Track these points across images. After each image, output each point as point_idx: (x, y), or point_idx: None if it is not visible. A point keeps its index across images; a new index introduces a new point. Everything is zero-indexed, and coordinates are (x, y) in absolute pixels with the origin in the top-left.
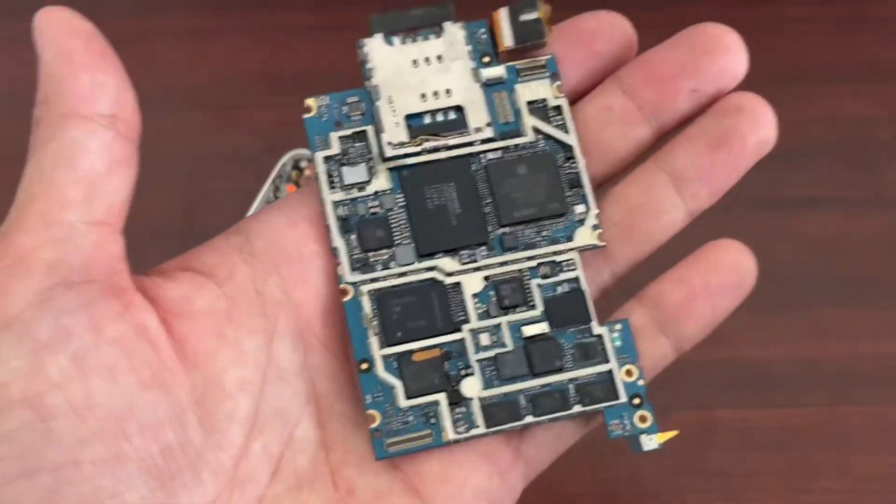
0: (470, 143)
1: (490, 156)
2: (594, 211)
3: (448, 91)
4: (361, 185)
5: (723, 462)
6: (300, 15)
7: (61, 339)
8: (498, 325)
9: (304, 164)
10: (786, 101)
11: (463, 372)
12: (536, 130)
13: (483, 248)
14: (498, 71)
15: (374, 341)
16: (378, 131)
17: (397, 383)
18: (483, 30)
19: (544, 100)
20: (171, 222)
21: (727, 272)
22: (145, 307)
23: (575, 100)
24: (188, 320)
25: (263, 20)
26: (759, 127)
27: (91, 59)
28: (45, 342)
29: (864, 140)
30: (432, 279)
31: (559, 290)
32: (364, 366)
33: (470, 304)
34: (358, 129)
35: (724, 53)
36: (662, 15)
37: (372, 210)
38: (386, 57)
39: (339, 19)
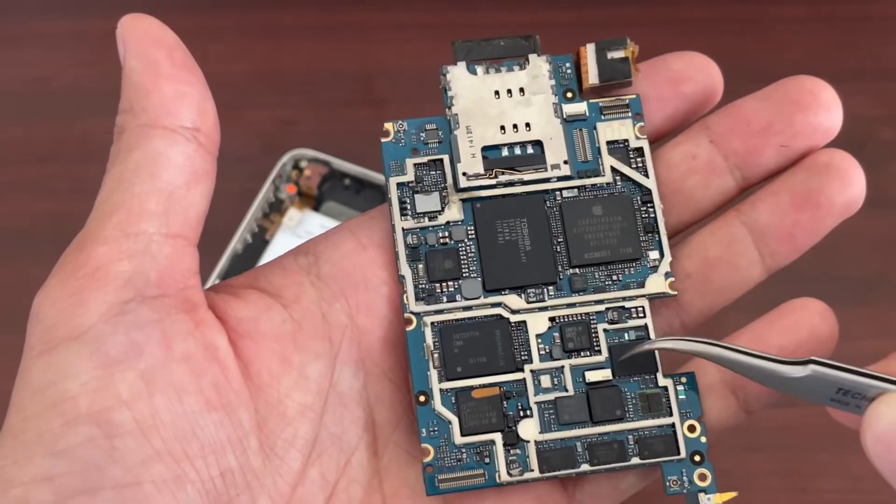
0: (546, 180)
1: (566, 194)
2: (668, 258)
3: (528, 125)
4: (433, 215)
5: (723, 462)
6: (300, 15)
7: (132, 356)
8: (560, 368)
9: (303, 163)
10: None
11: (521, 413)
12: (615, 171)
13: (551, 287)
14: (580, 107)
15: (433, 374)
16: (454, 161)
17: (454, 419)
18: (568, 64)
19: (626, 140)
20: None
21: (806, 337)
22: (216, 325)
23: (656, 139)
24: (254, 342)
25: (263, 20)
26: (847, 186)
27: (175, 71)
28: (115, 357)
29: (864, 140)
30: (497, 315)
31: (626, 336)
32: (422, 398)
33: (533, 344)
34: (434, 158)
35: (818, 110)
36: (662, 14)
37: (442, 240)
38: (468, 86)
39: (339, 19)
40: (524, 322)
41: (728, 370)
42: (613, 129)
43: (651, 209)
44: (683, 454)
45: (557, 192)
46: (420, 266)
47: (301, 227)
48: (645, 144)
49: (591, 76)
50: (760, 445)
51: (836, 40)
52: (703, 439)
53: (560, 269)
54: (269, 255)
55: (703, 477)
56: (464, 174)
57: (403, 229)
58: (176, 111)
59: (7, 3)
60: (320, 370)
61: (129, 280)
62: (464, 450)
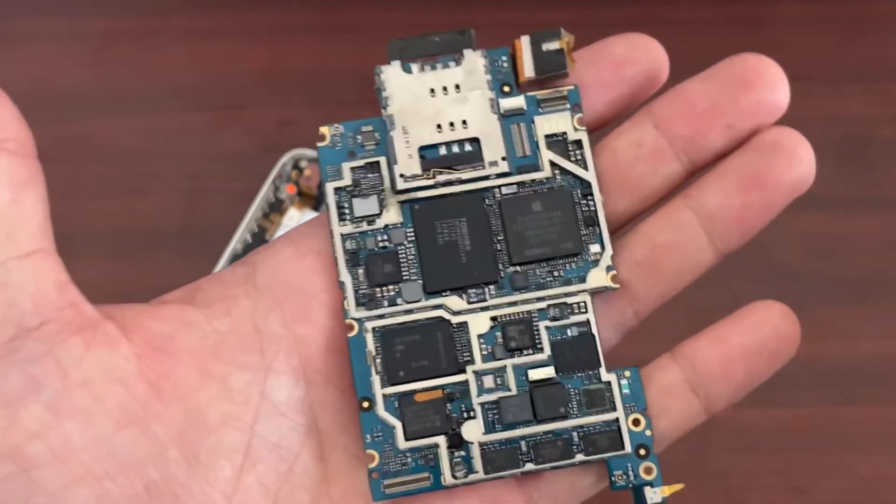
0: (485, 178)
1: (505, 191)
2: (609, 252)
3: (464, 122)
4: (372, 218)
5: (723, 462)
6: (300, 15)
7: (32, 390)
8: (503, 368)
9: (303, 163)
10: None
11: (465, 415)
12: (554, 165)
13: (493, 286)
14: (517, 102)
15: (376, 379)
16: (391, 163)
17: (397, 424)
18: (504, 58)
19: (564, 133)
20: (171, 222)
21: (768, 336)
22: (112, 341)
23: (601, 126)
24: (168, 356)
25: (263, 20)
26: (795, 165)
27: None
28: (16, 395)
29: (864, 140)
30: (439, 318)
31: (569, 333)
32: (365, 404)
33: (475, 345)
34: (371, 160)
35: (764, 87)
36: (662, 14)
37: (381, 244)
38: (403, 85)
39: (339, 19)
40: (465, 323)
41: (691, 371)
42: (552, 123)
43: (591, 202)
44: (628, 449)
45: (496, 190)
46: (360, 271)
47: None
48: (584, 136)
49: (527, 69)
50: (759, 446)
51: (836, 40)
52: (648, 433)
53: (501, 268)
54: None
55: (648, 470)
56: (401, 176)
57: (342, 234)
58: None
59: (7, 3)
60: (247, 381)
61: (5, 319)
62: (408, 454)
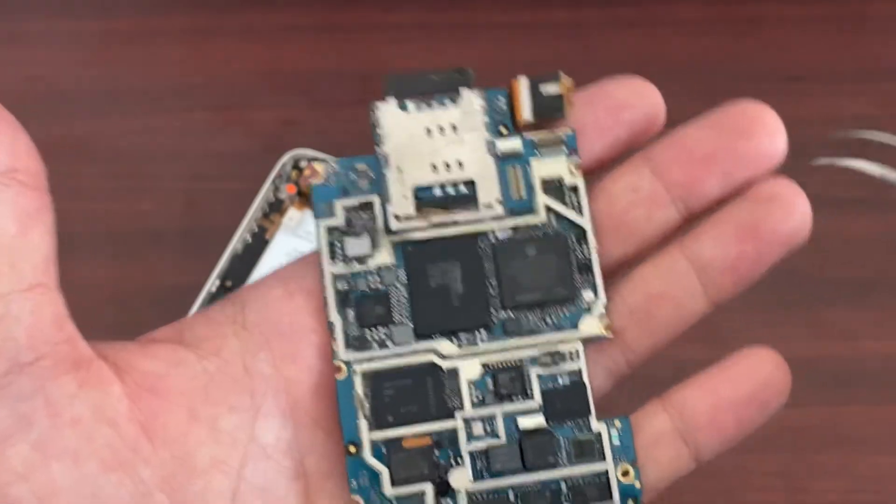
0: (479, 221)
1: (499, 234)
2: (602, 300)
3: (460, 163)
4: (363, 259)
5: (723, 462)
6: (300, 15)
7: (21, 428)
8: (493, 415)
9: (303, 164)
10: (786, 101)
11: (453, 461)
12: (549, 210)
13: (484, 331)
14: (514, 144)
15: (363, 424)
16: (384, 202)
17: (384, 470)
18: (502, 98)
19: (560, 177)
20: (171, 222)
21: (758, 386)
22: (105, 380)
23: (598, 168)
24: (158, 396)
25: (263, 20)
26: (791, 217)
27: None
28: (4, 433)
29: (864, 140)
30: (429, 362)
31: (560, 381)
32: (352, 449)
33: (465, 391)
34: (364, 200)
35: (762, 136)
36: (662, 14)
37: (372, 285)
38: (398, 123)
39: (338, 19)
40: (456, 369)
41: (680, 420)
42: (548, 167)
43: (586, 248)
44: (617, 500)
45: (490, 233)
46: (350, 312)
47: (301, 227)
48: (580, 182)
49: (525, 113)
50: (759, 446)
51: (836, 40)
52: (637, 484)
53: (493, 312)
54: (269, 255)
55: None
56: (395, 216)
57: (333, 274)
58: None
59: (7, 3)
60: (236, 423)
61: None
62: (395, 501)
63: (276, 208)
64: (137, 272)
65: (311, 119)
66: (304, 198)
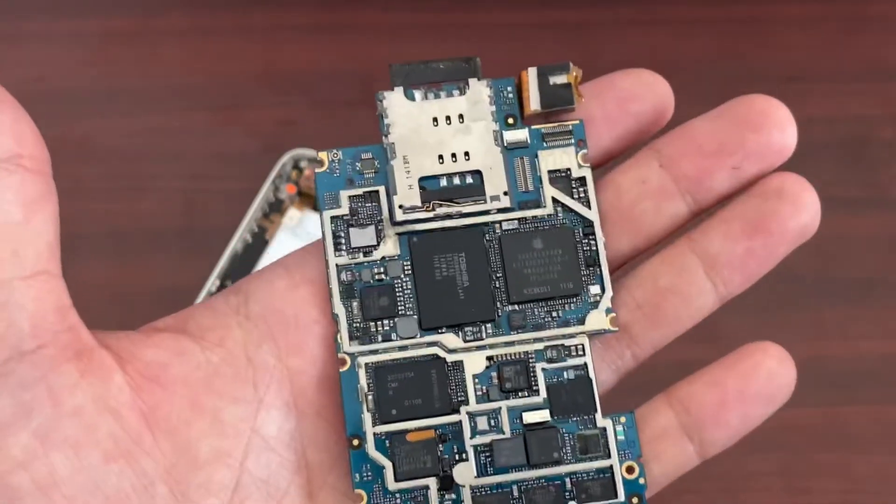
0: (485, 212)
1: (505, 226)
2: (609, 294)
3: (467, 154)
4: (368, 250)
5: (723, 462)
6: (300, 15)
7: (22, 416)
8: (497, 410)
9: (303, 163)
10: (786, 101)
11: (457, 456)
12: (556, 202)
13: (490, 325)
14: (521, 135)
15: (367, 417)
16: (390, 193)
17: (388, 464)
18: (510, 88)
19: (568, 169)
20: (171, 222)
21: (764, 380)
22: (107, 370)
23: (605, 161)
24: (161, 387)
25: (263, 20)
26: (800, 212)
27: None
28: (5, 421)
29: (864, 140)
30: (434, 355)
31: (565, 376)
32: (356, 442)
33: (470, 385)
34: (369, 189)
35: (772, 129)
36: (662, 14)
37: (377, 276)
38: (405, 113)
39: (338, 19)
40: (461, 362)
41: (685, 415)
42: (556, 158)
43: (593, 241)
44: (622, 497)
45: (497, 225)
46: (354, 304)
47: (301, 227)
48: (588, 173)
49: (533, 103)
50: (759, 446)
51: (836, 40)
52: (642, 480)
53: (499, 306)
54: (269, 255)
55: None
56: (400, 207)
57: (337, 265)
58: None
59: (7, 3)
60: (239, 415)
61: (2, 339)
62: (398, 495)
63: (276, 208)
64: (137, 272)
65: (310, 119)
66: (304, 198)
